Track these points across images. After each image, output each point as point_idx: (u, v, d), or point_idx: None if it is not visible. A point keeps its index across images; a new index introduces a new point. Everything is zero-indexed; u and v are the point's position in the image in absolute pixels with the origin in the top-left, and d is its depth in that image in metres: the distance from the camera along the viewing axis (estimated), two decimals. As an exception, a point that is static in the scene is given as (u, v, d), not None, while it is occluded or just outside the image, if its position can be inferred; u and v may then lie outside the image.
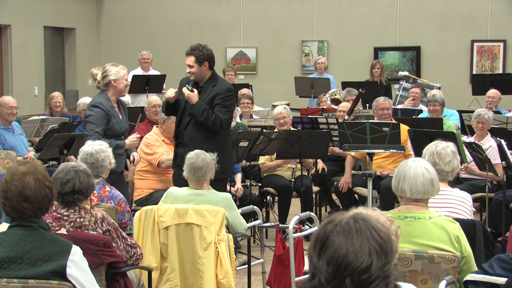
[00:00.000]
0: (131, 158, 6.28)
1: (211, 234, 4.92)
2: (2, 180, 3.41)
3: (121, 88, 6.17)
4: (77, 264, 3.35)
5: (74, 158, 7.46)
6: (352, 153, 7.99)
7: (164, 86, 11.30)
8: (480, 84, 11.45)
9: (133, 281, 4.42)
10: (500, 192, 7.16)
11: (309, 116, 8.91)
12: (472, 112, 8.25)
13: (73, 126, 8.70)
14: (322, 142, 7.78)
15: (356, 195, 8.02)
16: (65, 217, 4.09)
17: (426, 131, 7.38)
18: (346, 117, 8.78)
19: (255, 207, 6.19)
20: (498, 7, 13.28)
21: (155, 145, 7.05)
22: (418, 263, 3.79)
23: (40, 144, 8.44)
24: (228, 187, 7.18)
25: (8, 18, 12.36)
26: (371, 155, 7.11)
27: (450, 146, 4.69)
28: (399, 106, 10.27)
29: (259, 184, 8.14)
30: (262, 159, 8.08)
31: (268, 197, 8.20)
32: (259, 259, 6.08)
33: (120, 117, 6.22)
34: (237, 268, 5.34)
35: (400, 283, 2.76)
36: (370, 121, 7.29)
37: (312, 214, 5.79)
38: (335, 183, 8.32)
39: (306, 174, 8.06)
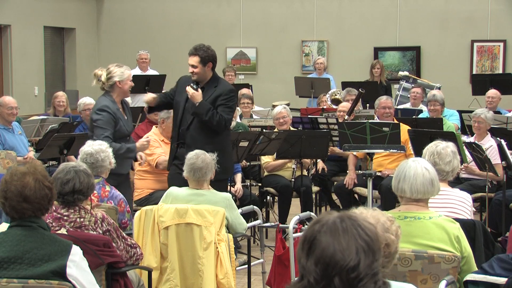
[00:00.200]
0: (139, 158, 6.29)
1: (211, 234, 4.92)
2: (2, 180, 3.41)
3: (126, 89, 6.15)
4: (77, 264, 3.35)
5: (74, 158, 7.47)
6: (354, 152, 7.99)
7: (164, 86, 11.30)
8: (480, 84, 11.45)
9: (133, 281, 4.42)
10: (500, 192, 7.16)
11: (309, 116, 8.91)
12: (472, 112, 8.25)
13: (73, 126, 8.69)
14: (322, 142, 7.78)
15: (356, 195, 8.01)
16: (65, 217, 4.09)
17: (426, 131, 7.38)
18: (346, 117, 8.78)
19: (255, 207, 6.19)
20: (498, 7, 13.28)
21: (153, 145, 7.04)
22: (418, 263, 3.78)
23: (40, 144, 8.44)
24: (228, 187, 7.18)
25: (8, 18, 12.36)
26: (371, 155, 7.11)
27: (450, 146, 4.69)
28: (400, 106, 10.27)
29: (259, 184, 8.14)
30: (265, 159, 8.08)
31: (268, 197, 8.20)
32: (259, 259, 6.08)
33: (126, 117, 6.21)
34: (237, 268, 5.34)
35: (398, 283, 2.77)
36: (370, 121, 7.29)
37: (312, 214, 5.79)
38: (335, 183, 8.32)
39: (306, 174, 8.06)
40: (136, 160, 6.33)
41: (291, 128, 8.22)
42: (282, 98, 12.21)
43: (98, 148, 5.18)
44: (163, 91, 7.38)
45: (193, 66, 6.26)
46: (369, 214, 2.91)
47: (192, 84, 6.23)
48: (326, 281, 2.09)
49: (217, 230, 4.96)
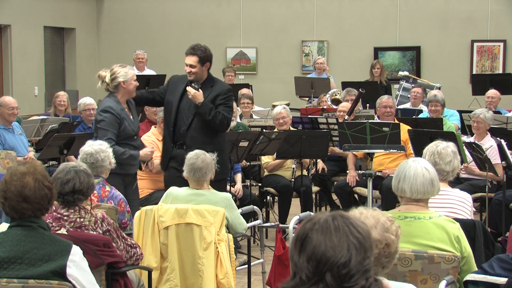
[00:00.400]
0: (144, 167, 6.30)
1: (211, 234, 4.92)
2: (2, 180, 3.41)
3: (130, 89, 6.13)
4: (77, 264, 3.36)
5: (74, 158, 7.47)
6: (354, 152, 7.99)
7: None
8: (480, 84, 11.45)
9: (133, 281, 4.42)
10: (500, 192, 7.16)
11: (309, 116, 8.90)
12: (472, 112, 8.25)
13: (73, 126, 8.69)
14: (322, 142, 7.78)
15: (356, 195, 8.01)
16: (65, 217, 4.09)
17: (426, 131, 7.38)
18: (346, 117, 8.78)
19: (255, 207, 6.19)
20: (498, 7, 13.28)
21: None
22: (418, 263, 3.78)
23: (40, 144, 8.44)
24: (228, 187, 7.18)
25: (8, 18, 12.36)
26: (371, 155, 7.11)
27: (450, 146, 4.69)
28: (400, 106, 10.27)
29: (259, 184, 8.14)
30: (265, 159, 8.08)
31: (268, 197, 8.20)
32: (259, 259, 6.08)
33: (131, 117, 6.20)
34: (237, 268, 5.34)
35: (398, 283, 2.77)
36: (370, 121, 7.29)
37: (312, 214, 5.78)
38: (335, 183, 8.32)
39: (306, 174, 8.06)
40: (140, 168, 6.31)
41: (291, 128, 8.22)
42: (282, 98, 12.20)
43: (98, 148, 5.18)
44: (149, 89, 7.36)
45: (191, 66, 6.25)
46: (369, 214, 2.91)
47: (193, 84, 6.22)
48: (318, 278, 2.12)
49: (217, 230, 4.96)
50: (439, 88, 10.81)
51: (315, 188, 8.13)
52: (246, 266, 5.64)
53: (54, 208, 4.08)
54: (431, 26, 13.57)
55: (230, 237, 5.11)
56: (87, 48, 14.59)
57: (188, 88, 6.19)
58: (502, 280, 3.56)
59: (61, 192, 4.07)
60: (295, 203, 8.13)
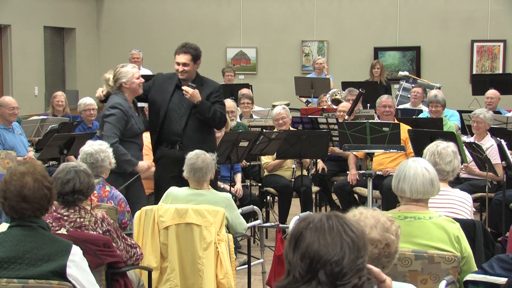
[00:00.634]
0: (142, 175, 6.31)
1: (211, 234, 4.92)
2: (1, 180, 3.41)
3: (133, 87, 6.15)
4: (77, 264, 3.36)
5: (74, 158, 7.47)
6: (354, 153, 7.99)
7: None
8: (480, 84, 11.45)
9: (133, 281, 4.42)
10: (500, 192, 7.16)
11: (309, 116, 8.90)
12: (472, 112, 8.25)
13: (73, 126, 8.69)
14: (322, 142, 7.78)
15: (356, 195, 8.01)
16: (65, 217, 4.09)
17: (426, 131, 7.38)
18: (346, 117, 8.78)
19: (255, 207, 6.19)
20: (498, 7, 13.28)
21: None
22: (418, 263, 3.78)
23: (40, 144, 8.44)
24: (228, 187, 7.19)
25: (8, 18, 12.36)
26: (371, 155, 7.11)
27: (451, 146, 4.69)
28: (400, 106, 10.27)
29: (259, 184, 8.14)
30: (265, 159, 8.08)
31: (268, 197, 8.20)
32: (259, 259, 6.08)
33: (138, 115, 6.24)
34: (237, 268, 5.34)
35: (398, 283, 2.77)
36: (370, 121, 7.29)
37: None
38: (335, 183, 8.32)
39: (306, 174, 8.06)
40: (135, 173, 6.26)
41: (291, 128, 8.22)
42: (282, 98, 12.21)
43: (98, 148, 5.18)
44: None
45: (184, 64, 6.26)
46: (369, 214, 2.91)
47: (190, 83, 6.24)
48: (311, 276, 2.14)
49: (217, 230, 4.96)
50: (439, 88, 10.81)
51: (315, 188, 8.13)
52: (246, 266, 5.64)
53: (54, 208, 4.08)
54: (431, 26, 13.57)
55: (230, 237, 5.11)
56: (87, 48, 14.59)
57: (186, 88, 6.19)
58: (502, 280, 3.56)
59: (61, 192, 4.07)
60: (295, 203, 8.13)
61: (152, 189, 7.04)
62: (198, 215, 4.93)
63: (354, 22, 13.86)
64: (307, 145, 7.63)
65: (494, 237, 5.92)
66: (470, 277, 3.69)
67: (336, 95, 10.58)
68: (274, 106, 9.49)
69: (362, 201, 7.79)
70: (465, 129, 9.23)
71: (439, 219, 3.88)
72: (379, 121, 7.82)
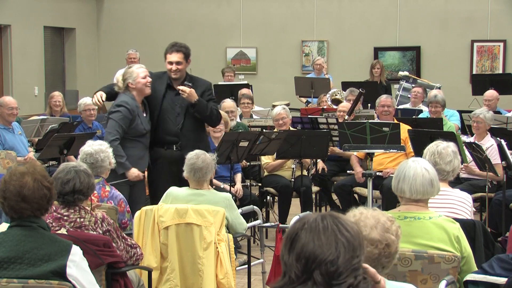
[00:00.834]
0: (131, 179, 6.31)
1: (211, 234, 4.92)
2: (1, 180, 3.41)
3: (140, 87, 6.18)
4: (77, 264, 3.35)
5: (74, 158, 7.47)
6: (355, 153, 7.99)
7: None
8: (480, 84, 11.45)
9: (133, 281, 4.42)
10: (500, 192, 7.16)
11: (309, 116, 8.90)
12: (472, 112, 8.25)
13: (73, 126, 8.69)
14: (322, 142, 7.78)
15: (356, 195, 8.01)
16: (65, 217, 4.09)
17: (426, 131, 7.38)
18: (346, 117, 8.78)
19: (255, 207, 6.19)
20: (498, 7, 13.28)
21: None
22: (418, 263, 3.78)
23: (40, 144, 8.44)
24: (228, 187, 7.19)
25: (8, 18, 12.37)
26: (371, 155, 7.11)
27: (451, 146, 4.69)
28: (400, 106, 10.27)
29: (259, 184, 8.14)
30: (265, 159, 8.07)
31: (268, 197, 8.19)
32: (259, 259, 6.08)
33: (144, 116, 6.26)
34: (237, 268, 5.34)
35: (398, 283, 2.77)
36: (370, 121, 7.29)
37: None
38: (335, 183, 8.32)
39: (306, 174, 8.06)
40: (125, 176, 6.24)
41: (291, 128, 8.21)
42: (282, 98, 12.21)
43: (98, 148, 5.18)
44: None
45: (178, 62, 6.28)
46: (369, 214, 2.91)
47: (186, 83, 6.26)
48: (307, 276, 2.14)
49: (217, 230, 4.96)
50: (439, 88, 10.81)
51: (315, 188, 8.13)
52: (246, 266, 5.64)
53: (54, 208, 4.08)
54: (431, 26, 13.58)
55: (230, 237, 5.11)
56: (87, 48, 14.59)
57: (182, 88, 6.21)
58: (502, 280, 3.56)
59: (61, 192, 4.07)
60: (295, 203, 8.13)
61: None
62: (198, 215, 4.93)
63: (354, 22, 13.86)
64: (307, 145, 7.63)
65: (494, 237, 5.92)
66: (470, 277, 3.69)
67: (336, 95, 10.58)
68: (274, 106, 9.49)
69: (362, 201, 7.79)
70: (465, 129, 9.23)
71: (439, 219, 3.88)
72: (379, 121, 7.82)
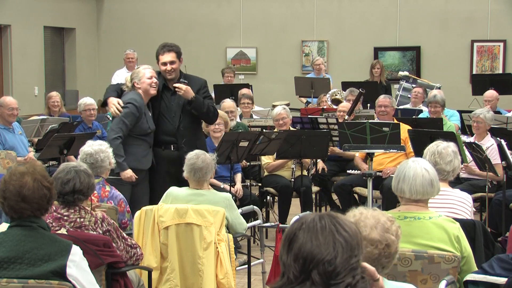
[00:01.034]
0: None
1: (211, 234, 4.92)
2: (1, 180, 3.41)
3: (144, 87, 6.23)
4: (77, 264, 3.35)
5: (74, 158, 7.47)
6: (357, 154, 7.99)
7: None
8: (480, 84, 11.45)
9: (133, 281, 4.42)
10: (500, 192, 7.16)
11: (309, 116, 8.90)
12: (472, 112, 8.25)
13: (73, 126, 8.69)
14: (322, 142, 7.78)
15: (356, 195, 8.01)
16: (65, 217, 4.09)
17: (426, 131, 7.38)
18: (346, 117, 8.78)
19: (255, 207, 6.19)
20: (498, 7, 13.28)
21: None
22: (418, 263, 3.78)
23: (40, 144, 8.44)
24: (228, 187, 7.19)
25: (8, 18, 12.36)
26: (371, 155, 7.11)
27: (451, 146, 4.69)
28: (400, 107, 10.27)
29: (259, 184, 8.14)
30: (265, 160, 8.07)
31: (268, 197, 8.19)
32: (259, 259, 6.08)
33: (150, 115, 6.31)
34: (237, 268, 5.34)
35: (398, 283, 2.77)
36: (370, 121, 7.29)
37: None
38: (335, 182, 8.32)
39: (306, 174, 8.06)
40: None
41: (291, 128, 8.21)
42: (282, 98, 12.21)
43: (97, 148, 5.18)
44: (116, 83, 7.36)
45: (171, 62, 6.33)
46: (369, 214, 2.91)
47: (181, 80, 6.29)
48: (305, 276, 2.15)
49: (217, 230, 4.96)
50: (439, 88, 10.80)
51: (315, 188, 8.13)
52: (246, 266, 5.64)
53: (54, 208, 4.08)
54: (431, 26, 13.57)
55: (230, 237, 5.11)
56: (87, 48, 14.59)
57: (179, 85, 6.25)
58: (502, 280, 3.56)
59: (61, 192, 4.07)
60: (295, 203, 8.13)
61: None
62: (198, 215, 4.93)
63: (354, 22, 13.86)
64: (307, 145, 7.63)
65: (494, 237, 5.92)
66: (470, 277, 3.69)
67: (336, 95, 10.58)
68: (274, 106, 9.49)
69: (362, 201, 7.79)
70: (465, 129, 9.23)
71: (439, 219, 3.88)
72: (379, 121, 7.83)
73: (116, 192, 5.21)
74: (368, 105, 10.18)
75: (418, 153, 6.25)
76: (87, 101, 8.99)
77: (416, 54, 13.64)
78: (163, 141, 6.34)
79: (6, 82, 12.46)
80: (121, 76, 10.96)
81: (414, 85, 11.16)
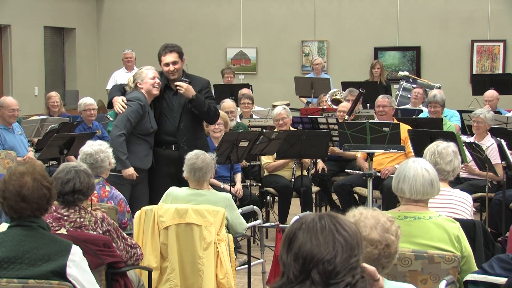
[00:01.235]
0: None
1: (211, 234, 4.92)
2: (1, 180, 3.41)
3: (147, 88, 6.25)
4: (77, 264, 3.35)
5: (74, 158, 7.47)
6: (359, 154, 7.99)
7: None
8: (480, 84, 11.45)
9: (133, 281, 4.42)
10: (500, 192, 7.16)
11: (309, 116, 8.90)
12: (472, 112, 8.25)
13: (73, 126, 8.69)
14: (322, 142, 7.78)
15: (356, 195, 8.01)
16: (65, 217, 4.09)
17: (426, 131, 7.38)
18: (346, 117, 8.78)
19: (255, 207, 6.19)
20: (498, 7, 13.28)
21: None
22: (418, 263, 3.78)
23: (40, 144, 8.44)
24: (228, 187, 7.19)
25: (8, 18, 12.36)
26: (371, 155, 7.11)
27: (451, 146, 4.70)
28: (400, 107, 10.27)
29: (259, 184, 8.14)
30: (265, 160, 8.07)
31: (268, 197, 8.20)
32: (259, 259, 6.08)
33: (153, 115, 6.33)
34: (237, 268, 5.34)
35: (398, 283, 2.77)
36: (370, 121, 7.29)
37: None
38: (335, 182, 8.32)
39: (306, 174, 8.06)
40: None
41: (291, 128, 8.21)
42: (282, 98, 12.21)
43: (97, 148, 5.18)
44: (119, 83, 7.38)
45: (174, 62, 6.34)
46: (369, 214, 2.91)
47: (183, 79, 6.30)
48: (305, 276, 2.15)
49: (217, 230, 4.96)
50: (439, 88, 10.80)
51: (315, 188, 8.13)
52: (246, 266, 5.64)
53: (54, 208, 4.08)
54: (431, 26, 13.57)
55: (230, 237, 5.11)
56: (87, 48, 14.59)
57: (180, 83, 6.27)
58: (502, 280, 3.56)
59: (61, 192, 4.07)
60: (295, 203, 8.13)
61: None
62: (198, 215, 4.93)
63: (354, 22, 13.86)
64: (307, 145, 7.63)
65: (494, 237, 5.92)
66: (470, 277, 3.69)
67: (336, 95, 10.58)
68: (274, 106, 9.49)
69: (362, 201, 7.79)
70: (465, 129, 9.23)
71: (439, 219, 3.88)
72: (379, 121, 7.83)
73: (116, 192, 5.21)
74: (368, 105, 10.17)
75: (418, 153, 6.25)
76: (87, 101, 8.99)
77: (416, 54, 13.64)
78: (164, 141, 6.35)
79: (6, 82, 12.46)
80: (119, 77, 10.96)
81: (414, 85, 11.16)
